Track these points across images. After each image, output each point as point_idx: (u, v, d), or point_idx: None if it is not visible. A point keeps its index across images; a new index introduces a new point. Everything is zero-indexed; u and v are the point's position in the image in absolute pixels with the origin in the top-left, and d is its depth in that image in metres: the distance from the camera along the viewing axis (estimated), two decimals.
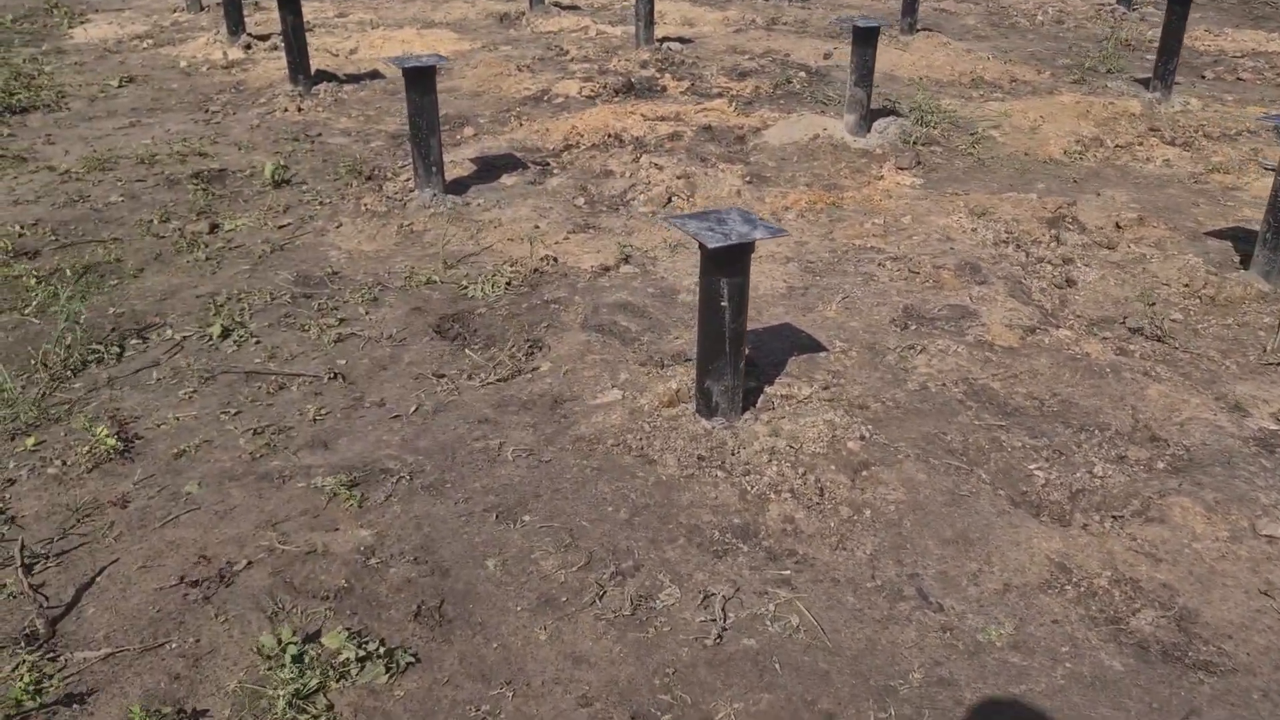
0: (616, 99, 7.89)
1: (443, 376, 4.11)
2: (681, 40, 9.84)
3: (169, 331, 4.45)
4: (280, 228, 5.56)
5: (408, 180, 6.08)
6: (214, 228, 5.53)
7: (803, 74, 8.69)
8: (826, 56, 9.38)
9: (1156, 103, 7.99)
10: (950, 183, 6.35)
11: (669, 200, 5.83)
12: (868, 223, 5.62)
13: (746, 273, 3.36)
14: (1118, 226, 5.52)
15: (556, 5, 11.53)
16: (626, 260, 5.15)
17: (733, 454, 3.45)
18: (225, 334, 4.44)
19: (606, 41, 9.84)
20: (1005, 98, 8.22)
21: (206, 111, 7.70)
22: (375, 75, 8.72)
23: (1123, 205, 5.92)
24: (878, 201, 5.98)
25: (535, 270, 5.04)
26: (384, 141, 6.99)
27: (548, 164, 6.53)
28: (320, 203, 5.87)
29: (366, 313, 4.65)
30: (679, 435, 3.55)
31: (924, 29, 10.64)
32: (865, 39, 6.70)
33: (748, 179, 6.22)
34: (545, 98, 8.00)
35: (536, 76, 8.53)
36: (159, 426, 3.75)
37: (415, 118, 5.61)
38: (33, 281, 4.84)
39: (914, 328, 4.42)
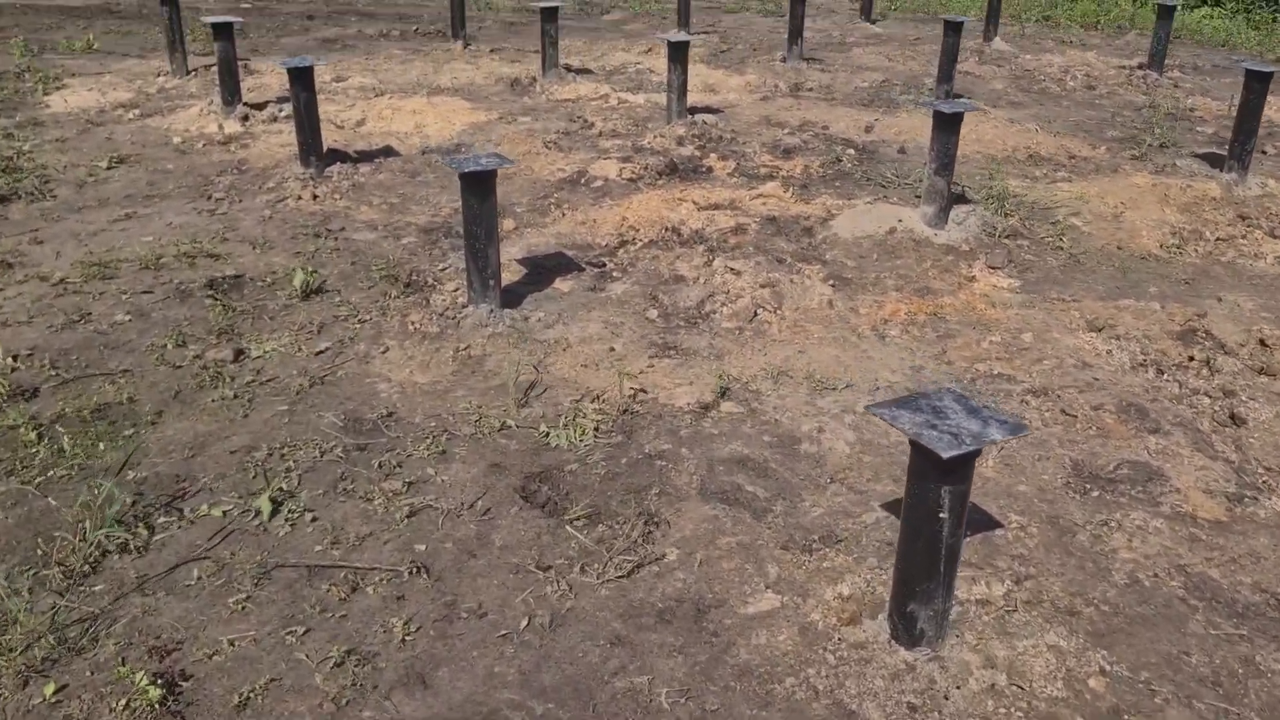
0: (661, 182, 7.25)
1: (548, 569, 3.39)
2: (711, 110, 9.24)
3: (205, 507, 3.69)
4: (317, 354, 4.82)
5: (456, 291, 5.37)
6: (239, 355, 4.78)
7: (851, 151, 8.11)
8: (868, 130, 8.82)
9: (1234, 184, 7.49)
10: (1050, 285, 5.75)
11: (755, 314, 5.16)
12: (984, 340, 4.99)
13: (971, 479, 2.68)
14: (1263, 344, 4.93)
15: (567, 69, 10.92)
16: (725, 395, 4.47)
17: (946, 698, 2.76)
18: (275, 509, 3.68)
19: (632, 112, 9.22)
20: (1071, 177, 7.68)
21: (209, 199, 6.95)
22: (389, 152, 8.02)
23: (1253, 315, 5.35)
24: (981, 310, 5.36)
25: (624, 411, 4.33)
26: (416, 238, 6.28)
27: (604, 265, 5.85)
28: (359, 319, 5.13)
29: (436, 472, 3.93)
30: (875, 672, 2.85)
31: (957, 94, 10.14)
32: (948, 125, 6.12)
33: (832, 283, 5.57)
34: (582, 180, 7.33)
35: (569, 155, 7.86)
36: (210, 657, 2.99)
37: (472, 226, 4.92)
38: (33, 435, 4.06)
39: (1095, 494, 3.76)
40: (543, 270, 5.77)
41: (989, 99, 10.33)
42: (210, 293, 5.42)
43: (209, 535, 3.56)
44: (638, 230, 6.29)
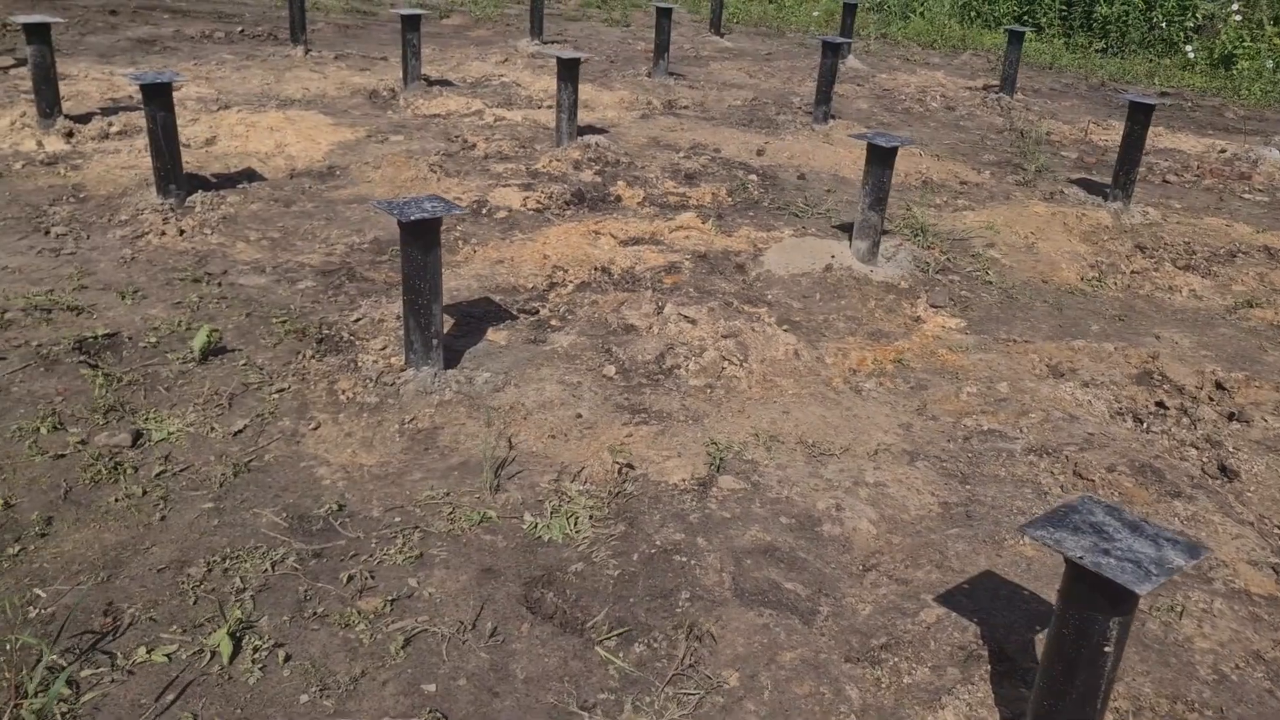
0: (570, 212, 6.74)
1: (593, 708, 2.87)
2: (596, 130, 8.78)
3: (142, 650, 2.96)
4: (235, 434, 4.08)
5: (386, 350, 4.71)
6: (138, 438, 3.99)
7: (753, 177, 7.85)
8: (760, 154, 8.59)
9: (1120, 213, 7.68)
10: (995, 324, 5.64)
11: (722, 369, 4.76)
12: (960, 392, 4.78)
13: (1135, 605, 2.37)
14: (1219, 387, 4.94)
15: (427, 80, 10.19)
16: (721, 468, 4.05)
17: None
18: (235, 647, 3.00)
19: (513, 131, 8.63)
20: (971, 205, 7.69)
21: (48, 234, 5.94)
22: (253, 176, 7.15)
23: (1195, 353, 5.38)
24: (943, 356, 5.16)
25: (616, 493, 3.85)
26: (313, 281, 5.53)
27: (537, 311, 5.31)
28: (275, 388, 4.41)
29: (419, 583, 3.33)
30: None
31: (831, 116, 10.08)
32: (882, 159, 5.91)
33: (784, 328, 5.25)
34: (484, 210, 6.73)
35: (462, 181, 7.22)
36: None
37: (414, 280, 4.29)
38: None
39: None
40: (471, 319, 5.18)
41: (859, 117, 10.32)
42: (83, 357, 4.54)
43: (156, 691, 2.84)
44: (565, 270, 5.77)
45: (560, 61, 7.78)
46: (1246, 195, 8.59)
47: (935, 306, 5.80)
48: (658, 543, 3.58)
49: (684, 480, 3.95)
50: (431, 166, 7.41)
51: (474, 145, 8.07)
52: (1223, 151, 10.00)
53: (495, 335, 5.04)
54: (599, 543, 3.57)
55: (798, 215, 7.10)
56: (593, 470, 3.96)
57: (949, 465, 4.17)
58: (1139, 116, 7.57)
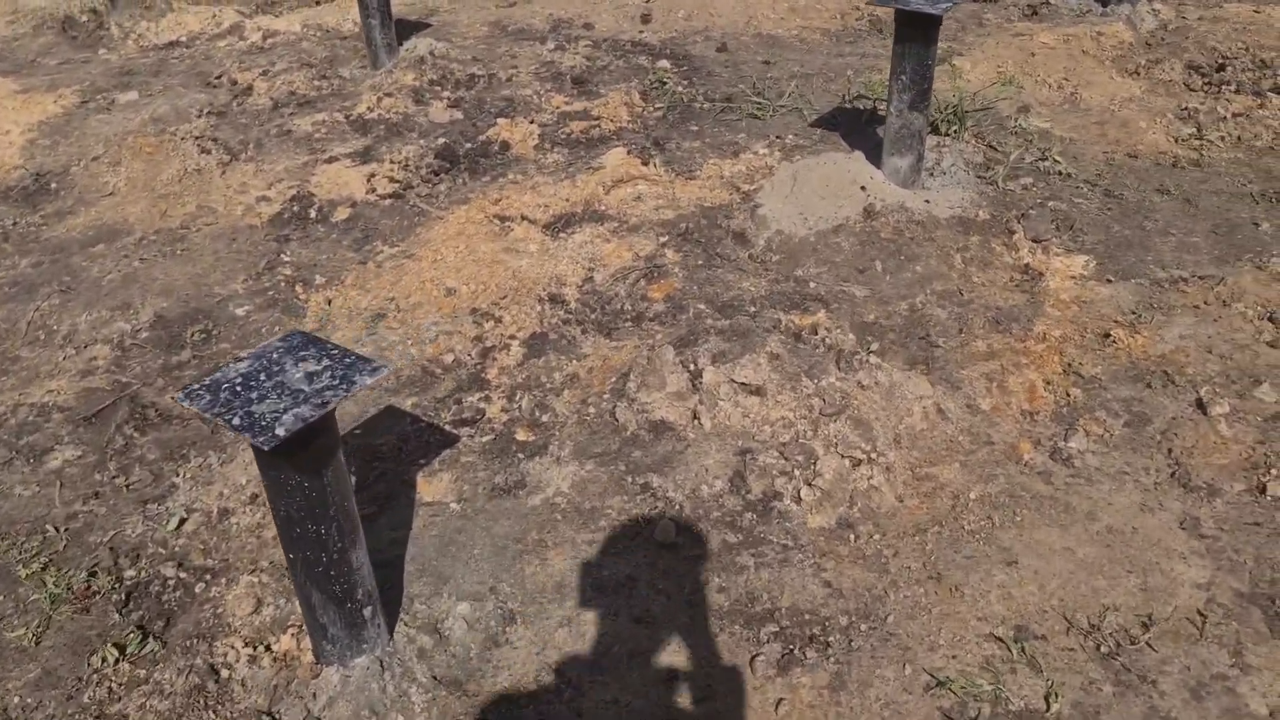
0: (443, 188, 4.40)
1: None
2: (412, 26, 6.22)
3: None
4: None
5: (265, 615, 2.47)
6: None
7: (664, 64, 5.60)
8: (646, 20, 6.28)
9: (1133, 20, 5.89)
10: (1130, 252, 3.84)
11: (852, 483, 2.77)
12: (1212, 417, 2.96)
13: None
14: None
15: None
16: None
17: None
18: None
19: (300, 52, 5.97)
20: (947, 44, 5.72)
21: None
22: None
23: None
24: (1117, 337, 3.34)
25: None
26: (74, 445, 3.12)
27: (481, 415, 3.13)
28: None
29: None
30: None
31: None
32: (922, 31, 3.84)
33: (888, 358, 3.27)
34: (312, 211, 4.30)
35: (259, 164, 4.68)
36: None
37: (317, 530, 2.06)
38: None
39: None
40: (378, 462, 2.95)
41: None
42: None
43: None
44: (493, 315, 3.54)
45: None
46: None
47: (1038, 241, 3.91)
48: None
49: None
50: (202, 146, 4.81)
51: (251, 89, 5.43)
52: None
53: (434, 487, 2.86)
54: None
55: (757, 117, 4.96)
56: None
57: None
58: None
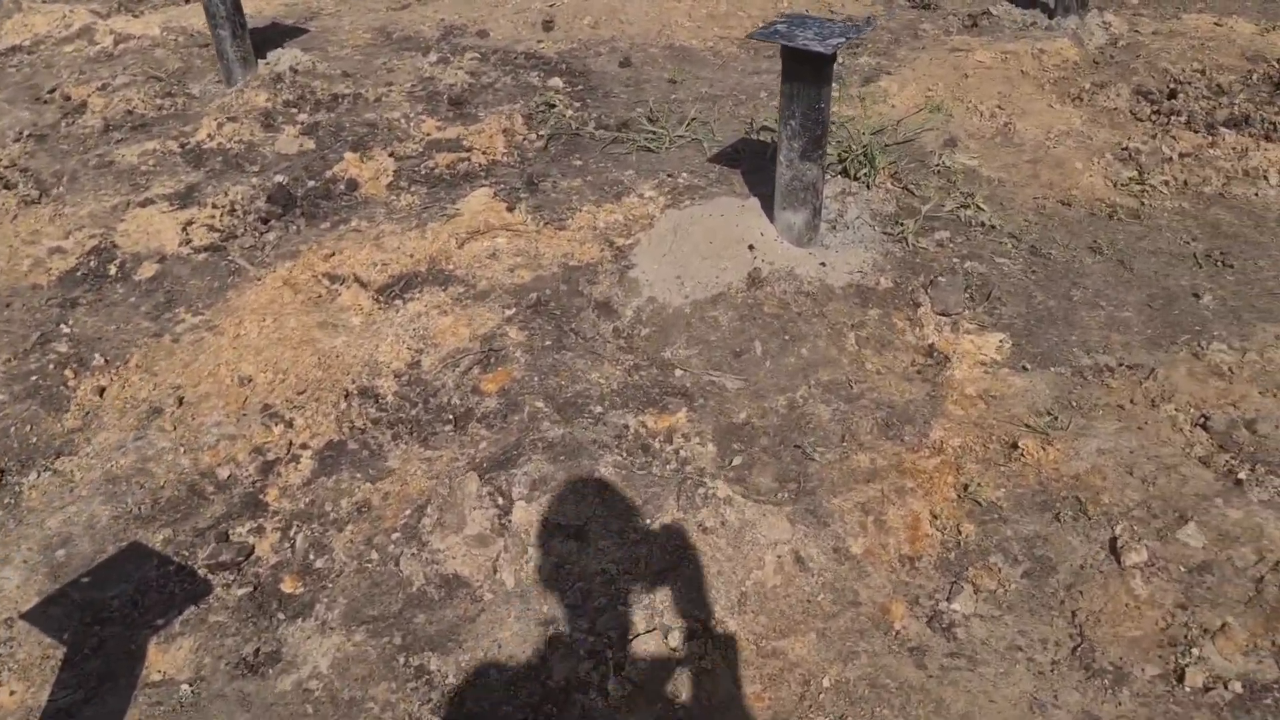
0: (271, 237, 3.81)
1: None
2: (287, 31, 5.58)
3: None
4: None
5: None
6: None
7: (556, 81, 5.00)
8: (548, 26, 5.67)
9: (1080, 33, 5.34)
10: (1051, 328, 3.34)
11: (676, 671, 2.22)
12: (1132, 592, 2.44)
13: None
14: None
15: None
16: None
17: None
18: None
19: (150, 60, 5.32)
20: (878, 62, 5.15)
21: None
22: None
23: None
24: (1027, 449, 2.81)
25: None
26: None
27: (242, 559, 2.57)
28: None
29: None
30: None
31: None
32: (811, 72, 3.26)
33: (747, 489, 2.72)
34: (112, 265, 3.70)
35: (59, 208, 4.06)
36: None
37: None
38: None
39: None
40: (99, 619, 2.38)
41: None
42: None
43: None
44: (287, 415, 2.96)
45: None
46: None
47: (946, 314, 3.37)
48: None
49: None
50: (6, 180, 4.18)
51: (84, 105, 4.79)
52: None
53: (168, 658, 2.33)
54: None
55: (651, 149, 4.38)
56: None
57: None
58: None
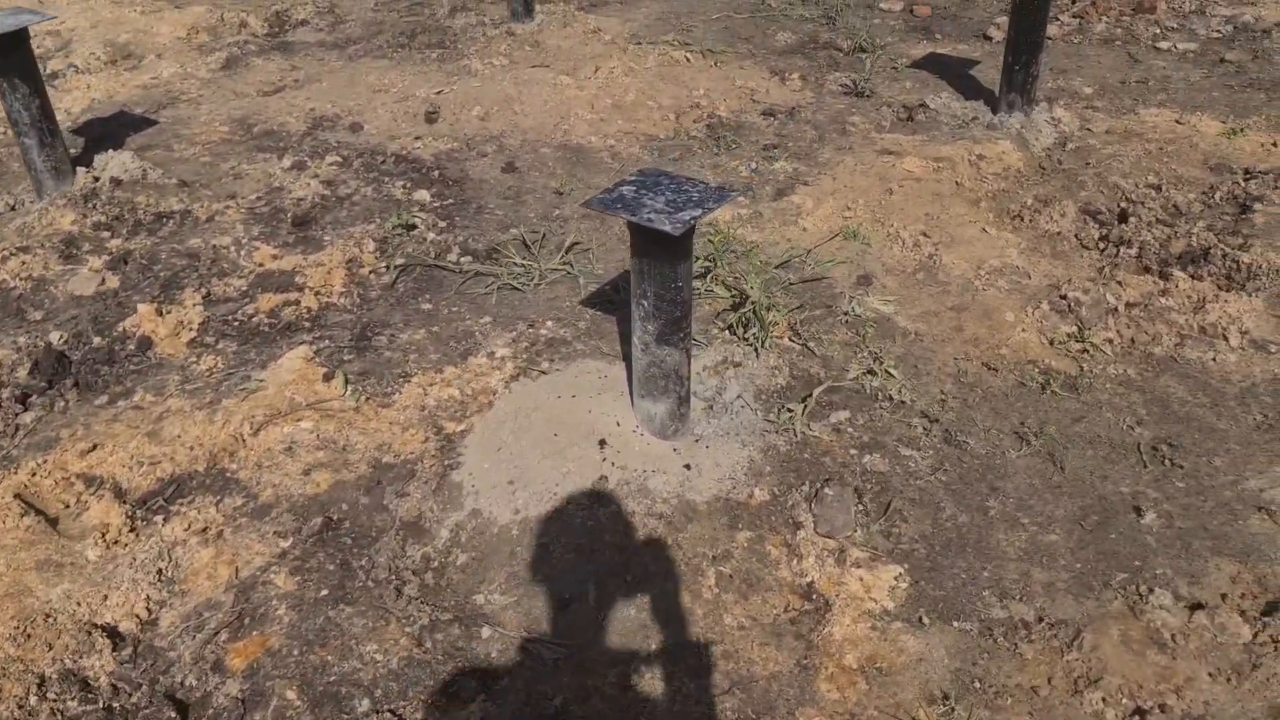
0: (29, 416, 3.15)
1: None
2: (127, 123, 4.93)
3: None
4: None
5: None
6: None
7: (423, 195, 4.37)
8: (431, 118, 5.03)
9: (1024, 131, 4.73)
10: (955, 560, 2.69)
11: None
12: None
13: None
14: None
15: None
16: None
17: None
18: None
19: None
20: (795, 166, 4.54)
21: None
22: None
23: None
24: None
25: None
26: None
27: None
28: None
29: None
30: None
31: None
32: (662, 250, 2.62)
33: None
34: None
35: None
36: None
37: None
38: None
39: None
40: None
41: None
42: None
43: None
44: None
45: None
46: (1162, 44, 5.78)
47: (832, 537, 2.73)
48: None
49: None
50: None
51: None
52: None
53: None
54: None
55: (518, 287, 3.75)
56: None
57: None
58: None
